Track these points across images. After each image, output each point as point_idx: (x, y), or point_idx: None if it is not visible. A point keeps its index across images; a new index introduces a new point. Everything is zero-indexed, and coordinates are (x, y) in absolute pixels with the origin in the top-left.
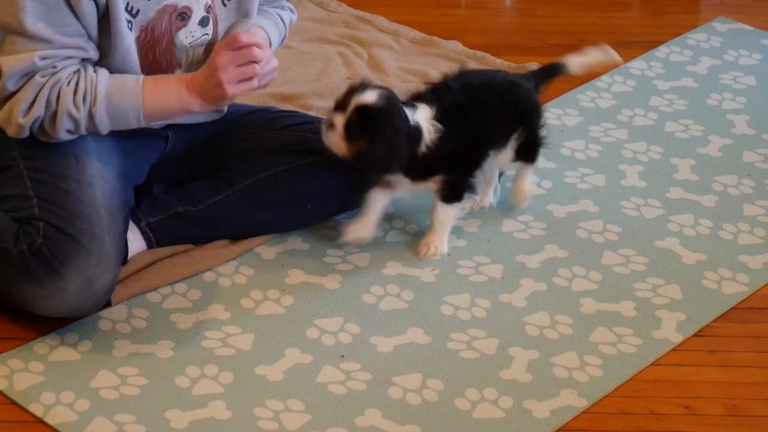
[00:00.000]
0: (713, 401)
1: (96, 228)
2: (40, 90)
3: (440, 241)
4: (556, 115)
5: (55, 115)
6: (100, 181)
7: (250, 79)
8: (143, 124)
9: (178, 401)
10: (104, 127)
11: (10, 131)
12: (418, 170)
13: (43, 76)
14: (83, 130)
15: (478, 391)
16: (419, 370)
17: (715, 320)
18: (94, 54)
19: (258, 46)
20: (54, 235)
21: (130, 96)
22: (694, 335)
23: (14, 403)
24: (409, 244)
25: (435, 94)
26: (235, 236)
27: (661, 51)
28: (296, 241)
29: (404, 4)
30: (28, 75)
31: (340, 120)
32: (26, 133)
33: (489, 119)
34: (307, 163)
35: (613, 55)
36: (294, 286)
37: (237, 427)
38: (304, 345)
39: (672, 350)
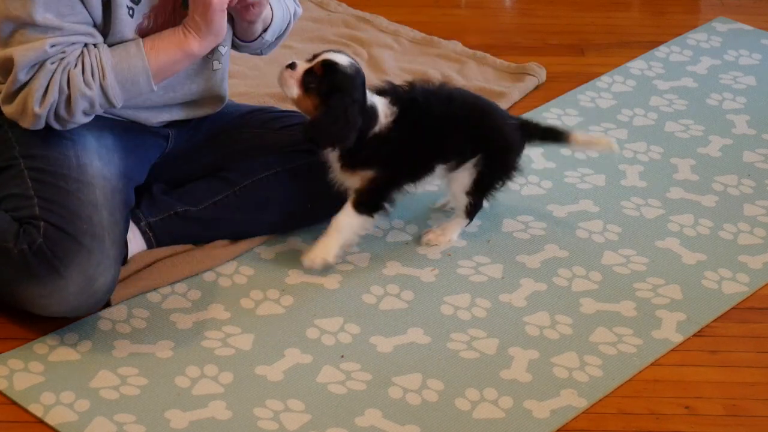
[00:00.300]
0: (713, 401)
1: (96, 228)
2: (51, 76)
3: (327, 250)
4: (556, 115)
5: (69, 98)
6: (101, 180)
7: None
8: (155, 88)
9: (178, 401)
10: (118, 98)
11: (26, 122)
12: (356, 156)
13: (53, 63)
14: (98, 108)
15: (478, 391)
16: (419, 370)
17: (715, 320)
18: (99, 39)
19: None
20: (55, 235)
21: (135, 60)
22: (694, 335)
23: (14, 403)
24: (409, 244)
25: (396, 91)
26: (235, 236)
27: (661, 51)
28: (296, 241)
29: (404, 4)
30: (39, 63)
31: (303, 65)
32: (42, 124)
33: (439, 130)
34: (307, 163)
35: (615, 149)
36: (294, 286)
37: (237, 427)
38: (304, 345)
39: (672, 350)
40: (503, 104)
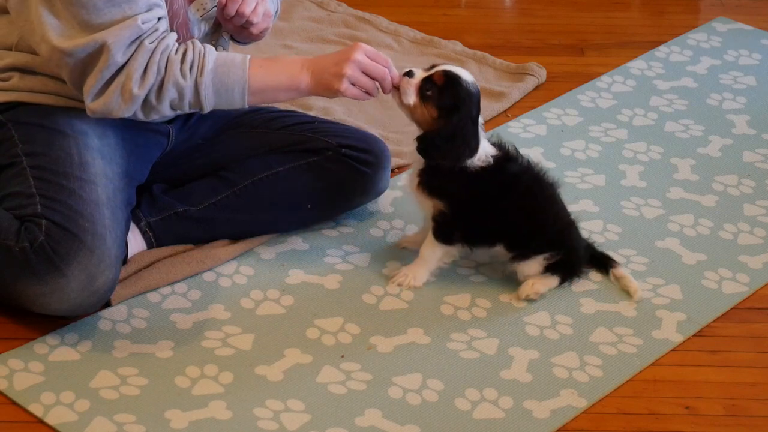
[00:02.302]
0: (713, 401)
1: (98, 226)
2: (151, 56)
3: (418, 273)
4: (556, 115)
5: (163, 82)
6: (103, 179)
7: (366, 92)
8: (247, 105)
9: (178, 401)
10: (208, 102)
11: (120, 110)
12: (436, 180)
13: (151, 42)
14: (186, 105)
15: (478, 391)
16: (419, 370)
17: (715, 320)
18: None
19: (389, 70)
20: (56, 233)
21: (237, 70)
22: (695, 335)
23: (14, 403)
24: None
25: (505, 151)
26: (235, 236)
27: (661, 51)
28: (296, 241)
29: (404, 4)
30: (137, 41)
31: (420, 74)
32: (134, 110)
33: (515, 214)
34: (307, 162)
35: (635, 297)
36: (294, 286)
37: (237, 427)
38: (304, 345)
39: (672, 350)
40: (503, 104)
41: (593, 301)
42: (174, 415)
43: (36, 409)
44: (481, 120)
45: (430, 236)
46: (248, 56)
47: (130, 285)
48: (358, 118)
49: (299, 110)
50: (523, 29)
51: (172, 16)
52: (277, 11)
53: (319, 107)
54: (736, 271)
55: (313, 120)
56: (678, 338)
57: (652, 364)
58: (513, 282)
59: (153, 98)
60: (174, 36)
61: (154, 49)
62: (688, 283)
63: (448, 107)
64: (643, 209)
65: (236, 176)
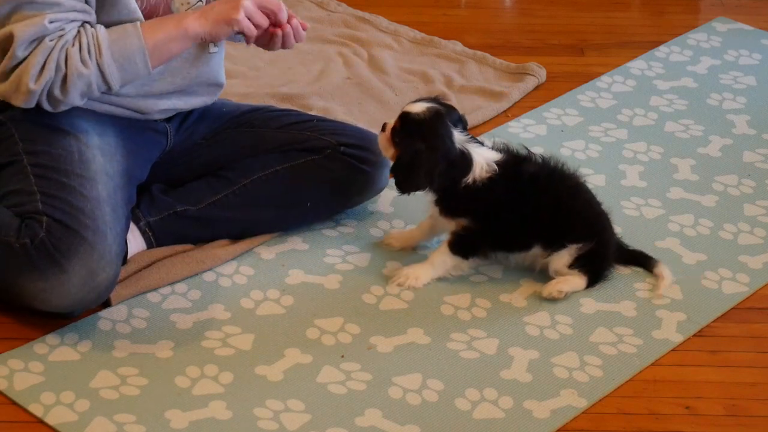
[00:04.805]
0: (713, 401)
1: (99, 223)
2: (50, 53)
3: (421, 275)
4: (556, 115)
5: (65, 78)
6: (104, 177)
7: (258, 27)
8: (151, 69)
9: (178, 401)
10: (115, 78)
11: (19, 100)
12: (449, 202)
13: (52, 40)
14: (95, 89)
15: (478, 391)
16: (419, 370)
17: (715, 320)
18: (94, 18)
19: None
20: (57, 229)
21: (131, 39)
22: (695, 335)
23: (14, 403)
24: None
25: (514, 154)
26: (235, 236)
27: (661, 51)
28: (296, 241)
29: (404, 4)
30: (38, 39)
31: (389, 124)
32: (34, 102)
33: (542, 211)
34: (306, 161)
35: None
36: (294, 286)
37: (237, 427)
38: (304, 345)
39: (672, 350)
40: (503, 104)
41: (593, 301)
42: (174, 415)
43: (36, 409)
44: (466, 136)
45: (445, 246)
46: (137, 22)
47: (130, 285)
48: (358, 117)
49: (299, 109)
50: (523, 29)
51: (151, 10)
52: None
53: (319, 107)
54: (736, 271)
55: (313, 119)
56: (678, 338)
57: (652, 364)
58: (513, 282)
59: (57, 92)
60: (74, 31)
61: (54, 47)
62: (688, 283)
63: (405, 144)
64: (643, 209)
65: (235, 175)
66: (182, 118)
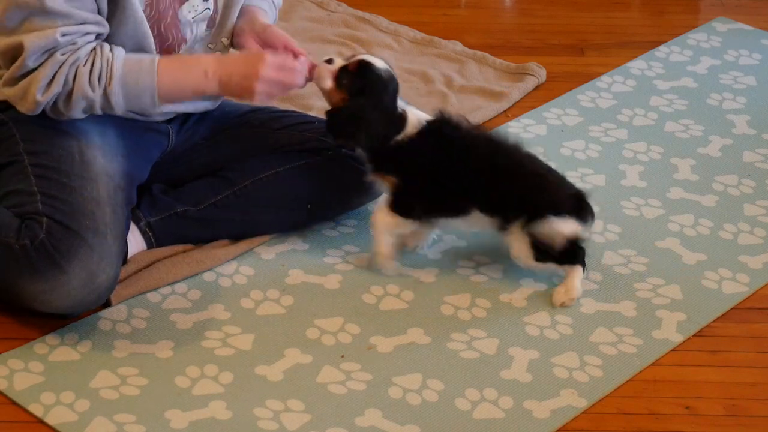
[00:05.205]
0: (713, 401)
1: (99, 224)
2: (60, 67)
3: (377, 251)
4: (556, 115)
5: (70, 94)
6: (104, 177)
7: (275, 95)
8: (158, 106)
9: (178, 401)
10: (119, 107)
11: (24, 107)
12: (381, 160)
13: (64, 54)
14: (98, 110)
15: (478, 391)
16: (419, 370)
17: (715, 320)
18: (106, 29)
19: (301, 65)
20: (57, 230)
21: (145, 77)
22: (694, 335)
23: (14, 403)
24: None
25: (447, 118)
26: (235, 236)
27: (661, 51)
28: (296, 241)
29: (404, 4)
30: (50, 52)
31: (339, 62)
32: (39, 111)
33: (474, 173)
34: (307, 162)
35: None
36: (294, 286)
37: (237, 427)
38: (304, 345)
39: (672, 350)
40: (503, 104)
41: (593, 301)
42: (174, 415)
43: (36, 409)
44: (402, 102)
45: (383, 205)
46: (156, 58)
47: (130, 285)
48: None
49: (299, 110)
50: (523, 29)
51: (159, 18)
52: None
53: (319, 107)
54: (736, 271)
55: (314, 120)
56: (678, 338)
57: (652, 364)
58: (513, 282)
59: (61, 106)
60: (89, 47)
61: (65, 61)
62: (688, 283)
63: (356, 92)
64: (643, 209)
65: (236, 176)
66: (183, 118)
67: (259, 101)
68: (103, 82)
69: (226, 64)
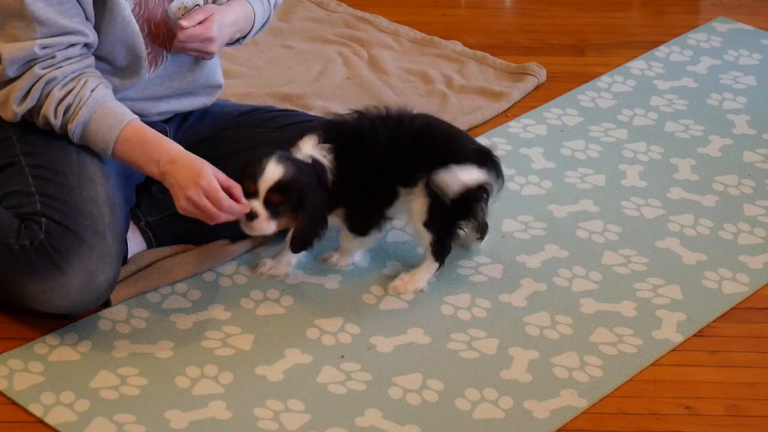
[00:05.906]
0: (713, 401)
1: (98, 224)
2: (36, 82)
3: (344, 262)
4: (556, 115)
5: (38, 110)
6: (102, 177)
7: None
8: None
9: (178, 401)
10: (75, 138)
11: (5, 115)
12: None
13: (43, 69)
14: (57, 131)
15: (478, 391)
16: (419, 370)
17: (715, 320)
18: (93, 38)
19: (222, 215)
20: (56, 231)
21: (106, 133)
22: (695, 335)
23: (14, 403)
24: (409, 244)
25: (331, 129)
26: (235, 236)
27: (661, 51)
28: None
29: (404, 4)
30: (29, 64)
31: (257, 204)
32: (17, 119)
33: (384, 154)
34: None
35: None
36: (294, 286)
37: (237, 428)
38: (304, 345)
39: (672, 350)
40: (503, 104)
41: (593, 301)
42: (174, 415)
43: (36, 409)
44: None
45: (345, 231)
46: (126, 121)
47: (130, 285)
48: None
49: (299, 109)
50: (523, 29)
51: (148, 16)
52: (269, 18)
53: (319, 107)
54: (736, 271)
55: (312, 118)
56: (678, 338)
57: (652, 364)
58: (513, 282)
59: (33, 117)
60: (69, 68)
61: (42, 77)
62: (688, 283)
63: (296, 206)
64: (643, 209)
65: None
66: (182, 118)
67: (184, 209)
68: (67, 116)
69: (176, 166)
